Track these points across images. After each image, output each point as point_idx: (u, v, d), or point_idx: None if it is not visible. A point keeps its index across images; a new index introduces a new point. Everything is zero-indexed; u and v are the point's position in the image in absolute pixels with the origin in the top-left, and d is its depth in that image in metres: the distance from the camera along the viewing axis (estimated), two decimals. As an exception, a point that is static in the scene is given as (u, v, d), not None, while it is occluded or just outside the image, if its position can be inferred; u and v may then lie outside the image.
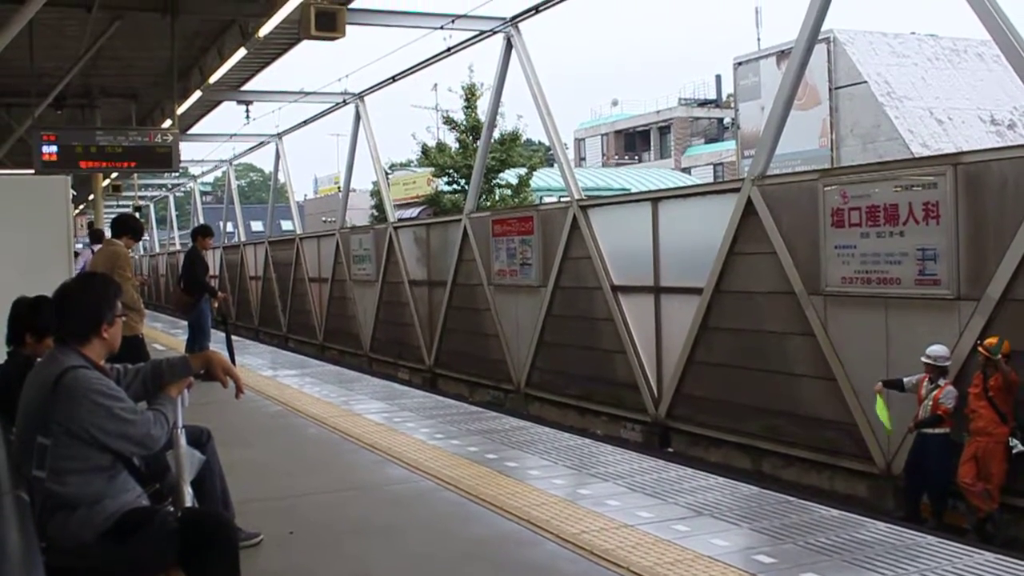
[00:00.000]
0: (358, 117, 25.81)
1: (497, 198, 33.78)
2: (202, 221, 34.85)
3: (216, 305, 14.33)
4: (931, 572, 5.03)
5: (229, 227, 43.57)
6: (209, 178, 55.04)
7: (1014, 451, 9.52)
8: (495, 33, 18.58)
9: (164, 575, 4.14)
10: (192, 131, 29.95)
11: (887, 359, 11.04)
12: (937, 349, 10.07)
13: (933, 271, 10.40)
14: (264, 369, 13.95)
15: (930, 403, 10.10)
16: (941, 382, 10.06)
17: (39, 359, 4.65)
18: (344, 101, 25.98)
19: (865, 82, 33.77)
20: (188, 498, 4.42)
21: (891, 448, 11.02)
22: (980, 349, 9.69)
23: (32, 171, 16.15)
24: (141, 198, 50.41)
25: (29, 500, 3.81)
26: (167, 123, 21.47)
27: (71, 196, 10.36)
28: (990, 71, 36.60)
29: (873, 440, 11.23)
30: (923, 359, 10.11)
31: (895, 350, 10.94)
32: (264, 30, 15.18)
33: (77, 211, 39.31)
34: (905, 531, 5.82)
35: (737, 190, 13.29)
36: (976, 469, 9.63)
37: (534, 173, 35.00)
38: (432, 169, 36.62)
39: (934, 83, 35.06)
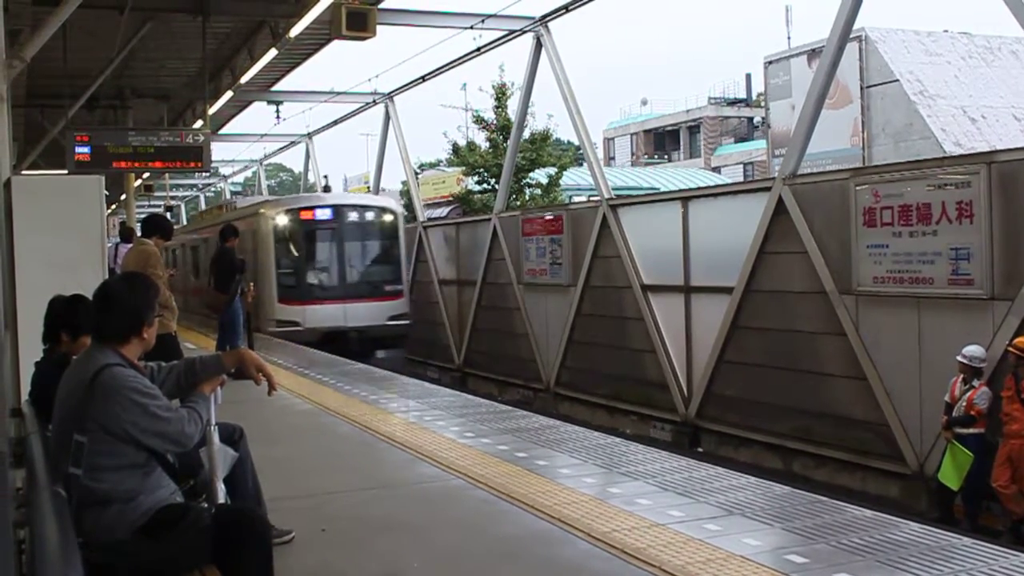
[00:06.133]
0: (388, 117, 25.90)
1: (527, 197, 33.75)
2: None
3: (250, 300, 14.45)
4: (965, 573, 4.98)
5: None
6: (239, 178, 55.31)
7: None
8: (525, 32, 18.60)
9: (198, 571, 4.17)
10: (223, 131, 30.15)
11: (919, 359, 10.97)
12: (973, 350, 9.99)
13: (966, 271, 10.31)
14: (295, 368, 13.99)
15: (964, 404, 10.01)
16: (975, 383, 9.98)
17: (75, 357, 4.69)
18: (374, 101, 26.08)
19: (897, 80, 33.49)
20: (221, 495, 4.44)
21: (923, 449, 10.95)
22: (1010, 349, 9.60)
23: (65, 171, 16.31)
24: (172, 198, 50.80)
25: (66, 496, 3.84)
26: (198, 123, 21.59)
27: (104, 196, 10.43)
28: (1024, 69, 36.23)
29: (905, 441, 11.16)
30: (958, 359, 10.03)
31: (927, 350, 10.87)
32: (295, 30, 15.26)
33: (109, 211, 39.63)
34: (939, 532, 5.77)
35: (768, 189, 13.25)
36: (1011, 472, 9.55)
37: (564, 172, 34.95)
38: (462, 168, 36.64)
39: (967, 81, 34.71)
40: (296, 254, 21.23)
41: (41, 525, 3.33)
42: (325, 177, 26.01)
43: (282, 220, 21.00)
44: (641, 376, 15.88)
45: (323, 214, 21.45)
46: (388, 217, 21.70)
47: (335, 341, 18.76)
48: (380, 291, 20.87)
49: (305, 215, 21.28)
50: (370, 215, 21.69)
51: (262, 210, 21.56)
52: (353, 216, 21.50)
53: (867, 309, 11.63)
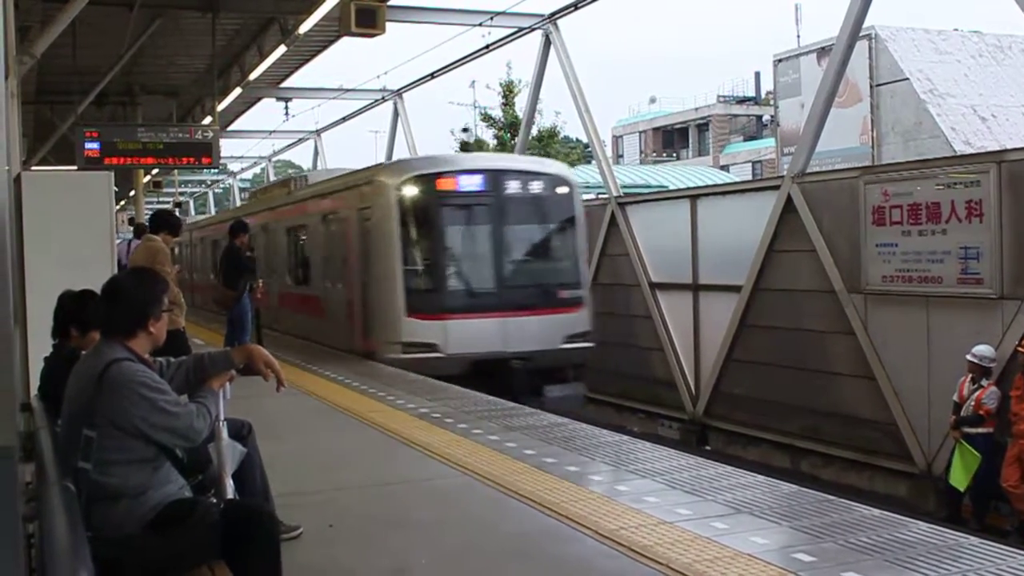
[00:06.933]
0: (396, 114, 25.91)
1: (535, 195, 33.77)
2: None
3: (259, 296, 14.49)
4: (973, 573, 4.97)
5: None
6: (248, 174, 55.45)
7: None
8: (534, 30, 18.59)
9: (206, 566, 4.18)
10: (232, 128, 30.18)
11: (928, 359, 10.95)
12: (983, 349, 9.97)
13: (976, 270, 10.30)
14: (304, 364, 14.01)
15: (972, 403, 9.99)
16: (984, 382, 9.96)
17: (84, 352, 4.70)
18: (383, 98, 26.09)
19: (907, 79, 33.41)
20: (230, 490, 4.45)
21: (931, 448, 10.92)
22: (1019, 349, 9.59)
23: (75, 167, 16.36)
24: (181, 194, 50.86)
25: (75, 491, 3.85)
26: (207, 120, 21.63)
27: (113, 192, 10.47)
28: (1035, 68, 36.12)
29: (913, 440, 11.14)
30: (968, 358, 10.01)
31: (936, 350, 10.85)
32: (304, 27, 15.29)
33: (118, 207, 39.61)
34: (947, 531, 5.76)
35: (777, 188, 13.24)
36: (1020, 472, 9.52)
37: (572, 170, 34.97)
38: (470, 166, 36.64)
39: (977, 80, 34.62)
40: (433, 243, 14.56)
41: (50, 519, 3.34)
42: (465, 130, 16.64)
43: (411, 192, 14.28)
44: (649, 374, 15.88)
45: (471, 183, 14.57)
46: (562, 190, 14.93)
47: (490, 373, 13.08)
48: (553, 299, 14.35)
49: (444, 184, 14.49)
50: (538, 186, 14.74)
51: (380, 178, 15.08)
52: (514, 187, 14.54)
53: (876, 308, 11.61)
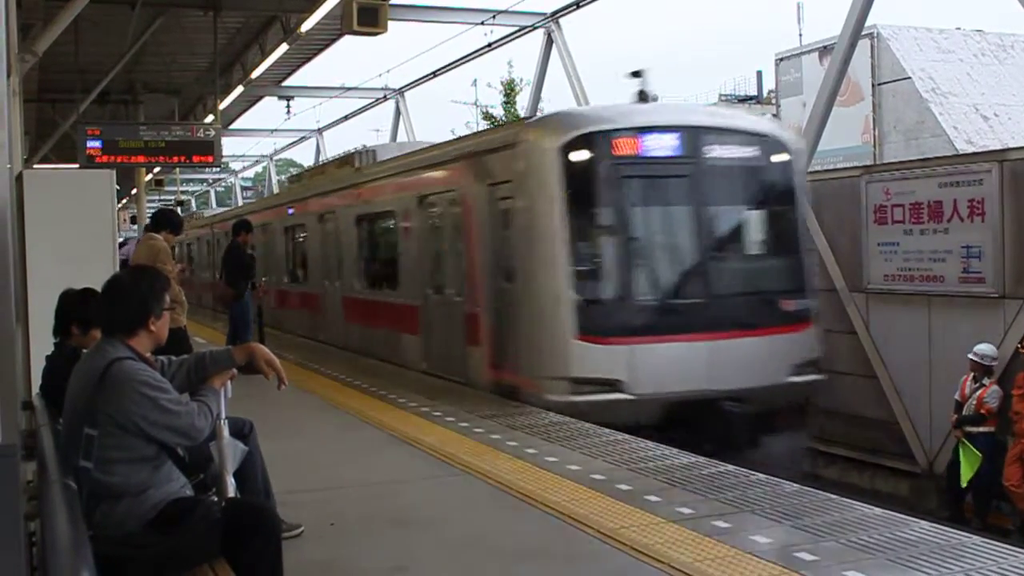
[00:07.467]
0: (398, 112, 25.92)
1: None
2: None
3: (261, 296, 14.52)
4: (976, 572, 4.97)
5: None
6: (250, 173, 55.50)
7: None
8: (535, 28, 18.60)
9: (208, 565, 4.17)
10: (233, 126, 30.22)
11: (929, 358, 10.94)
12: (985, 348, 9.97)
13: (978, 269, 10.30)
14: (305, 362, 14.02)
15: (974, 402, 9.99)
16: (986, 381, 9.96)
17: (86, 350, 4.70)
18: (384, 96, 26.11)
19: (909, 78, 33.35)
20: (231, 489, 4.44)
21: (933, 447, 10.92)
22: (1020, 348, 9.60)
23: (77, 165, 16.38)
24: (183, 192, 50.91)
25: (76, 489, 3.84)
26: (209, 118, 21.65)
27: (115, 190, 10.48)
28: (1038, 67, 36.04)
29: (915, 439, 11.13)
30: (970, 356, 10.01)
31: (937, 348, 10.84)
32: (306, 26, 15.31)
33: (120, 205, 39.60)
34: (949, 530, 5.75)
35: (778, 186, 13.19)
36: (1022, 471, 9.52)
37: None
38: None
39: (980, 79, 34.55)
40: (613, 233, 10.02)
41: (52, 518, 3.34)
42: (636, 74, 11.17)
43: (578, 157, 9.96)
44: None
45: (662, 145, 10.20)
46: (779, 158, 10.52)
47: (694, 420, 9.39)
48: (776, 313, 10.18)
49: (624, 146, 10.05)
50: (752, 151, 10.42)
51: (532, 137, 10.52)
52: (720, 152, 10.28)
53: (877, 307, 11.60)
